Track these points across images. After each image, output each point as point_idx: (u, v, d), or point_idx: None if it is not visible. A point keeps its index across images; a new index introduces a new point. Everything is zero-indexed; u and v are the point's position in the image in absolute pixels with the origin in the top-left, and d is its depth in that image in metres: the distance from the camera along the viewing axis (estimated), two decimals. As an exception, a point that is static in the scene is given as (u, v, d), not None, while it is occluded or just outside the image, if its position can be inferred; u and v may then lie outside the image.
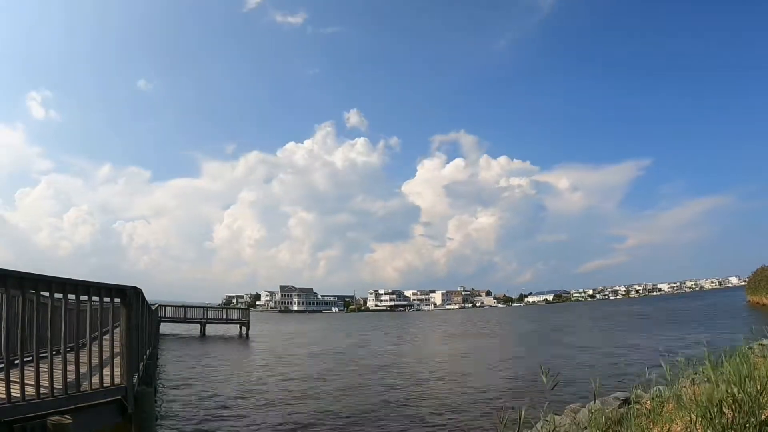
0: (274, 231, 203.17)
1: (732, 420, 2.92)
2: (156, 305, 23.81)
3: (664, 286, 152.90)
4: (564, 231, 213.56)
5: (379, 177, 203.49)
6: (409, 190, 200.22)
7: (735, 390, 3.11)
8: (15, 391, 3.30)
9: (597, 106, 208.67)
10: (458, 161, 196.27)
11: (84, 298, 4.35)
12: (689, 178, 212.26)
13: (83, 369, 4.14)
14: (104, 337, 4.80)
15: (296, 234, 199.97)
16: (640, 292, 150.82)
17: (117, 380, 4.42)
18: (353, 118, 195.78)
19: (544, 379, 3.58)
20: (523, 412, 3.37)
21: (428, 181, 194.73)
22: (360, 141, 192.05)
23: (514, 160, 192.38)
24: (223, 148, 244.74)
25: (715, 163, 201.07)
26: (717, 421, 2.95)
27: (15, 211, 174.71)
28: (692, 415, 3.27)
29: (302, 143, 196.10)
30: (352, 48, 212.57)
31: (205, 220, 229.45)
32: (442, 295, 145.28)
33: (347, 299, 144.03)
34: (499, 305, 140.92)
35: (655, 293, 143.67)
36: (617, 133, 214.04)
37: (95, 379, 4.22)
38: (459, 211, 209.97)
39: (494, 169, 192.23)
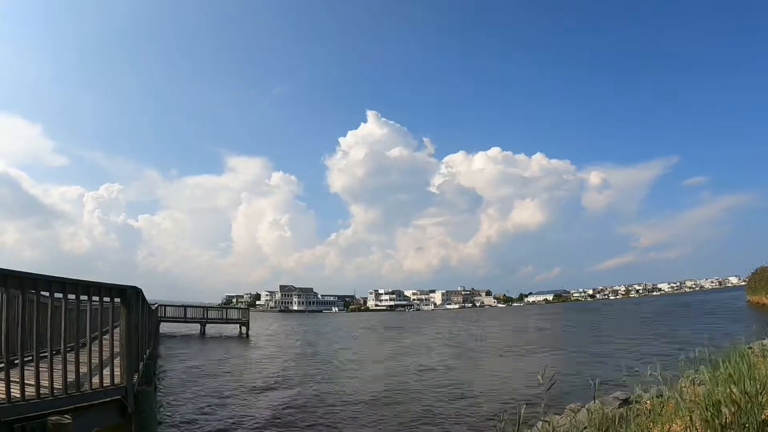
0: (301, 228, 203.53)
1: (731, 420, 2.92)
2: (156, 305, 23.81)
3: (664, 286, 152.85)
4: (587, 230, 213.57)
5: (414, 171, 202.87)
6: (438, 183, 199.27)
7: (734, 390, 3.11)
8: (15, 391, 3.30)
9: (627, 104, 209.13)
10: (495, 152, 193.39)
11: (84, 298, 4.35)
12: (715, 175, 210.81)
13: (83, 369, 4.14)
14: (104, 336, 4.80)
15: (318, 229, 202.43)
16: (640, 291, 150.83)
17: (117, 380, 4.42)
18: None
19: (540, 379, 3.58)
20: (522, 412, 3.37)
21: (460, 176, 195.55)
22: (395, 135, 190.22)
23: (553, 160, 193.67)
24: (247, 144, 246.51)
25: (744, 159, 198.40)
26: (716, 421, 2.95)
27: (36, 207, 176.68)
28: (692, 415, 3.28)
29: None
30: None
31: (227, 217, 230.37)
32: (442, 294, 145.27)
33: (347, 299, 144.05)
34: (500, 305, 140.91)
35: (655, 293, 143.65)
36: (645, 131, 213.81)
37: (95, 379, 4.22)
38: (490, 208, 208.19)
39: (532, 167, 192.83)
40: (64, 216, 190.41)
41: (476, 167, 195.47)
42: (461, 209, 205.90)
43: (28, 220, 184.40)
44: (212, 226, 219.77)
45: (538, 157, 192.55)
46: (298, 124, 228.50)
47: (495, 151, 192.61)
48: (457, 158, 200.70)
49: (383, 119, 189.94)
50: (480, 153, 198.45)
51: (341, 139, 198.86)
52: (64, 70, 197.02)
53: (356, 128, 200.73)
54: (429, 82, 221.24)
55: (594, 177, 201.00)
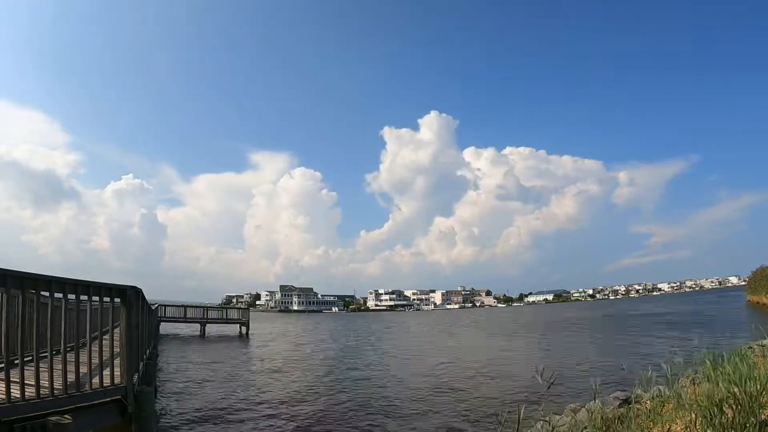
0: (324, 225, 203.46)
1: (732, 419, 2.92)
2: (156, 305, 23.82)
3: (664, 286, 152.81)
4: (608, 229, 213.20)
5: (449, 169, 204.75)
6: (470, 180, 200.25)
7: (735, 389, 3.10)
8: (15, 391, 3.30)
9: (646, 102, 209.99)
10: (524, 151, 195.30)
11: (84, 298, 4.35)
12: (734, 174, 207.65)
13: (83, 369, 4.14)
14: (104, 337, 4.80)
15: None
16: (640, 291, 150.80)
17: (117, 380, 4.42)
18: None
19: (539, 379, 3.57)
20: (522, 412, 3.36)
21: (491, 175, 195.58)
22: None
23: (587, 160, 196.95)
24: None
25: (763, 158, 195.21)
26: (717, 421, 2.95)
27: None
28: (692, 415, 3.28)
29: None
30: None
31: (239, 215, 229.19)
32: (442, 294, 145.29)
33: (347, 299, 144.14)
34: (500, 305, 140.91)
35: (655, 293, 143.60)
36: (667, 130, 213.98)
37: (95, 379, 4.22)
38: (521, 208, 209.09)
39: (564, 166, 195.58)
40: (80, 211, 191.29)
41: (508, 165, 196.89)
42: (494, 207, 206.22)
43: (50, 213, 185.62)
44: (231, 224, 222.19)
45: (567, 158, 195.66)
46: (325, 118, 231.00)
47: (528, 150, 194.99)
48: (487, 154, 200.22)
49: (433, 114, 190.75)
50: (509, 149, 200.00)
51: (383, 133, 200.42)
52: (80, 65, 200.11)
53: (393, 125, 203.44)
54: (457, 81, 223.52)
55: (622, 177, 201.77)
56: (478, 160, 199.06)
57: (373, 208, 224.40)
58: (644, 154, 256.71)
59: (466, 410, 9.55)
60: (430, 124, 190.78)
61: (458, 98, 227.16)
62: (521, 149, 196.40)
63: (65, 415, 3.37)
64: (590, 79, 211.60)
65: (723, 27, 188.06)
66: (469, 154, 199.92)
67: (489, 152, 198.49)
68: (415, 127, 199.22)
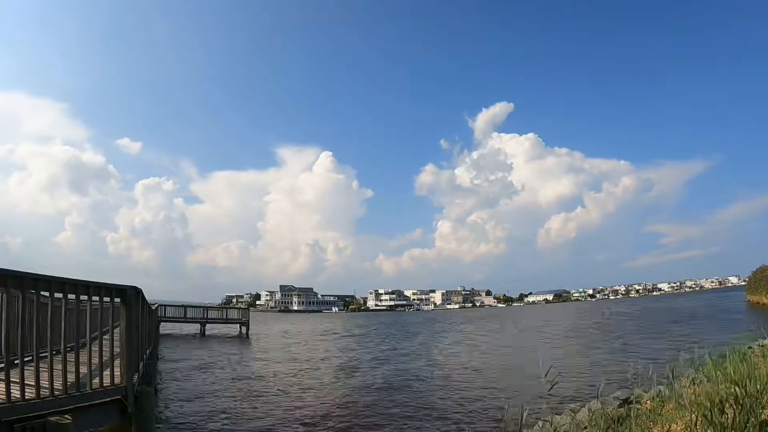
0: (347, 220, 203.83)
1: (732, 420, 2.92)
2: (156, 305, 23.81)
3: (664, 286, 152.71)
4: (622, 228, 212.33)
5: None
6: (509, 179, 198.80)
7: (736, 389, 3.10)
8: (15, 391, 3.30)
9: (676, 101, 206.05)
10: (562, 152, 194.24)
11: (84, 298, 4.35)
12: (754, 175, 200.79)
13: (83, 369, 4.14)
14: (104, 337, 4.80)
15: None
16: (640, 291, 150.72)
17: (117, 380, 4.42)
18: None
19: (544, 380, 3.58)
20: (524, 413, 3.36)
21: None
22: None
23: (613, 160, 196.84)
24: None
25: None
26: (717, 421, 2.95)
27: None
28: (692, 415, 3.28)
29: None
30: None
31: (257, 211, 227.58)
32: (442, 294, 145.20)
33: (347, 299, 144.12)
34: (499, 305, 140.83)
35: (655, 293, 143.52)
36: (690, 128, 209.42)
37: (95, 379, 4.22)
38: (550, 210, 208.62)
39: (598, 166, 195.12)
40: (101, 208, 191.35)
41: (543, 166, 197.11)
42: (523, 207, 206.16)
43: (69, 209, 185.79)
44: (253, 221, 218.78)
45: (599, 160, 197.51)
46: (363, 115, 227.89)
47: (565, 150, 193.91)
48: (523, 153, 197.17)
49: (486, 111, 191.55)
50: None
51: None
52: (101, 58, 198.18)
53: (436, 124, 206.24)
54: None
55: (647, 177, 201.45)
56: (515, 160, 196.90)
57: (408, 207, 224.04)
58: (667, 153, 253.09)
59: None
60: (483, 122, 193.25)
61: (500, 96, 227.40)
62: (556, 149, 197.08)
63: (65, 415, 3.37)
64: (607, 79, 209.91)
65: (730, 28, 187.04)
66: (508, 154, 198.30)
67: (525, 153, 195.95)
68: (458, 128, 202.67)
